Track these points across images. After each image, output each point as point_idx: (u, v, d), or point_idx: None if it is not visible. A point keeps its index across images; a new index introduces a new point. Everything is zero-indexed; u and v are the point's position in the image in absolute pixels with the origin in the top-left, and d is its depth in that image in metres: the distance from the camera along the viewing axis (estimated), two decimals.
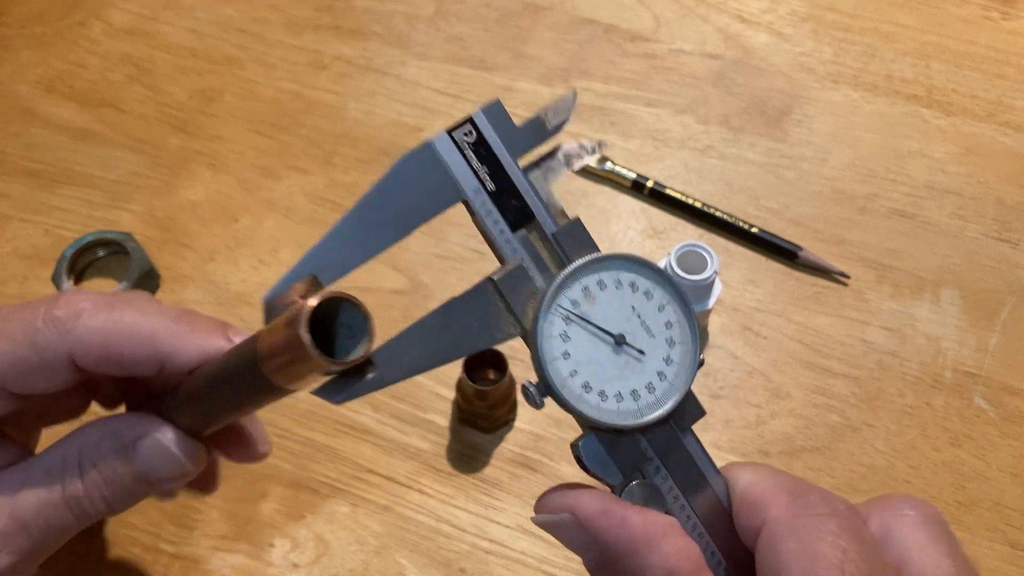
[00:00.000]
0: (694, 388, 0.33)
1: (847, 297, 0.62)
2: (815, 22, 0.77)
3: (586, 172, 0.68)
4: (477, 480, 0.54)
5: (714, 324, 0.60)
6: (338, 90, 0.72)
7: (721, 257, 0.63)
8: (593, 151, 0.34)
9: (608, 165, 0.67)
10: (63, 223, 0.65)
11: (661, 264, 0.57)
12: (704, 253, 0.55)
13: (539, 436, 0.56)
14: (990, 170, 0.68)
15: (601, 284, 0.32)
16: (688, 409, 0.33)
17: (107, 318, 0.36)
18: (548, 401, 0.31)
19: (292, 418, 0.56)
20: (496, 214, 0.32)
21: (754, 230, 0.64)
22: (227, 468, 0.54)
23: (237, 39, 0.75)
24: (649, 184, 0.66)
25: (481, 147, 0.32)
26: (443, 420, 0.56)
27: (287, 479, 0.54)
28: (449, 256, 0.63)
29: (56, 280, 0.60)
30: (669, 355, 0.32)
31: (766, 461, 0.55)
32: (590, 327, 0.32)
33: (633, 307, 0.32)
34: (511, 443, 0.55)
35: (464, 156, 0.32)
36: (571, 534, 0.31)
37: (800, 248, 0.63)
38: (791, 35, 0.76)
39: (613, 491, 0.32)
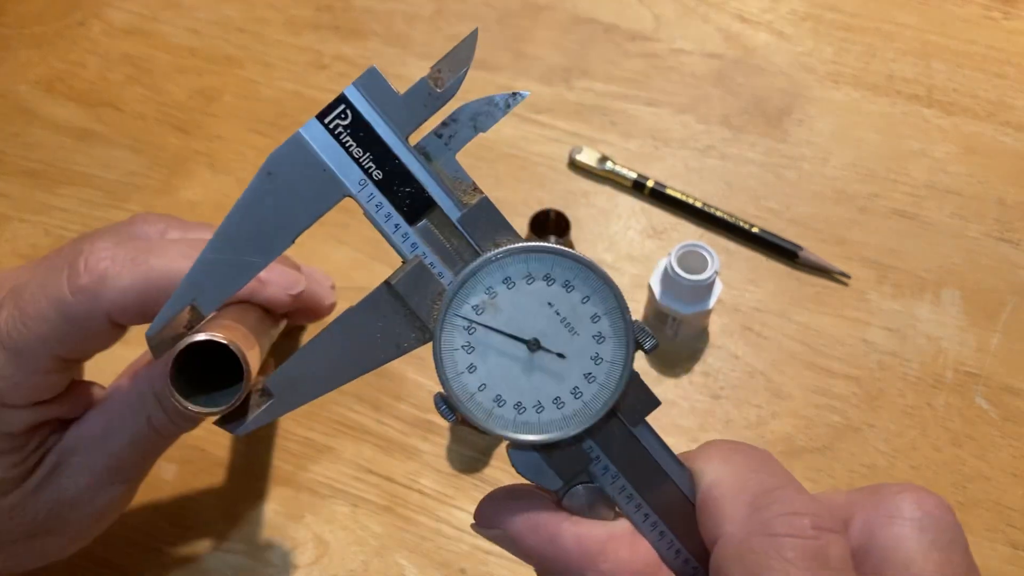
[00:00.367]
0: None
1: (848, 297, 0.61)
2: (815, 21, 0.77)
3: (586, 172, 0.68)
4: (477, 480, 0.54)
5: (715, 324, 0.60)
6: (338, 90, 0.71)
7: (721, 257, 0.63)
8: (507, 104, 0.28)
9: (608, 165, 0.67)
10: (63, 223, 0.65)
11: (661, 264, 0.57)
12: (704, 253, 0.55)
13: None
14: (991, 170, 0.68)
15: (508, 282, 0.28)
16: (637, 402, 0.29)
17: (134, 275, 0.36)
18: None
19: (292, 418, 0.56)
20: (388, 206, 0.28)
21: (755, 230, 0.63)
22: (225, 469, 0.54)
23: (237, 39, 0.75)
24: (649, 184, 0.66)
25: (360, 129, 0.28)
26: (443, 420, 0.56)
27: (287, 479, 0.54)
28: None
29: None
30: (597, 353, 0.28)
31: None
32: (497, 334, 0.28)
33: (550, 303, 0.28)
34: (505, 448, 0.55)
35: (341, 143, 0.28)
36: (509, 547, 0.29)
37: (801, 248, 0.63)
38: (791, 34, 0.76)
39: (556, 496, 0.29)
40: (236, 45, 0.75)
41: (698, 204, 0.65)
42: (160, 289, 0.36)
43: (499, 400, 0.28)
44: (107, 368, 0.44)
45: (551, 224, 0.62)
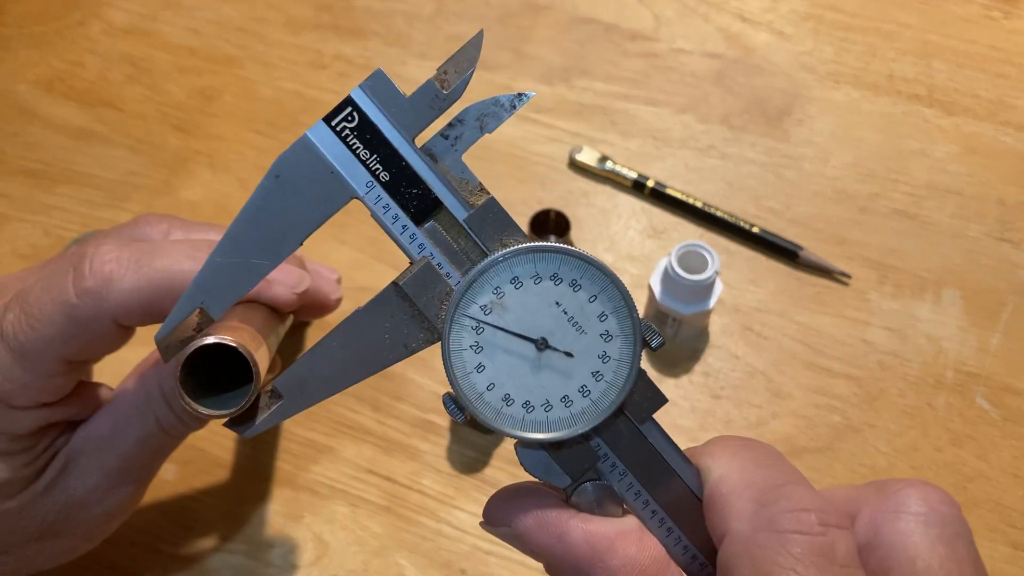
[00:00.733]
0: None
1: (848, 297, 0.61)
2: (816, 21, 0.77)
3: (587, 172, 0.68)
4: (477, 480, 0.54)
5: (715, 324, 0.60)
6: (338, 89, 0.72)
7: (722, 257, 0.63)
8: (512, 105, 0.28)
9: (609, 164, 0.67)
10: (62, 223, 0.65)
11: (661, 264, 0.57)
12: (705, 253, 0.55)
13: None
14: (992, 170, 0.68)
15: (516, 282, 0.28)
16: (644, 400, 0.29)
17: (139, 276, 0.36)
18: None
19: (292, 419, 0.56)
20: (395, 208, 0.28)
21: (755, 230, 0.63)
22: (226, 469, 0.54)
23: (236, 38, 0.75)
24: (650, 184, 0.66)
25: (367, 131, 0.28)
26: (443, 420, 0.56)
27: (287, 480, 0.54)
28: None
29: None
30: (605, 351, 0.28)
31: None
32: (505, 334, 0.28)
33: (557, 303, 0.28)
34: (511, 443, 0.55)
35: (348, 146, 0.28)
36: (518, 545, 0.29)
37: (801, 248, 0.62)
38: (792, 34, 0.76)
39: (564, 493, 0.30)
40: (236, 45, 0.75)
41: (698, 204, 0.65)
42: (165, 290, 0.36)
43: (508, 399, 0.28)
44: (115, 369, 0.44)
45: (551, 224, 0.62)
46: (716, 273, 0.55)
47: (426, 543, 0.52)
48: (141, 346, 0.43)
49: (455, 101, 0.28)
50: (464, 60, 0.28)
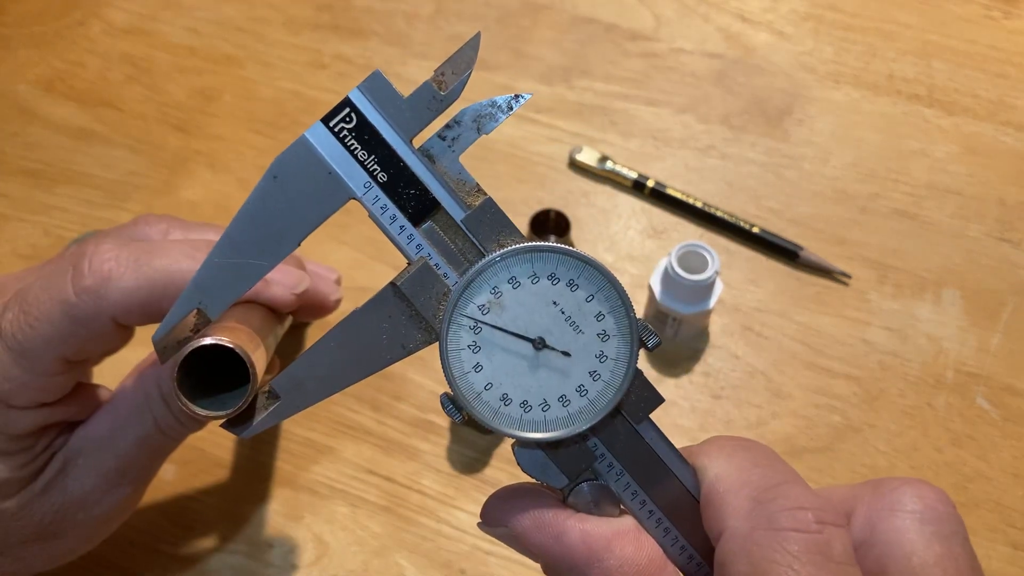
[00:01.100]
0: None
1: (848, 297, 0.61)
2: (816, 21, 0.77)
3: (587, 172, 0.68)
4: (477, 481, 0.54)
5: (715, 324, 0.60)
6: (338, 89, 0.72)
7: (722, 257, 0.63)
8: (509, 106, 0.28)
9: (609, 164, 0.67)
10: (62, 223, 0.65)
11: (662, 264, 0.57)
12: (705, 253, 0.55)
13: None
14: (992, 170, 0.68)
15: (513, 282, 0.28)
16: (641, 400, 0.29)
17: (137, 276, 0.36)
18: None
19: (292, 419, 0.56)
20: (393, 208, 0.28)
21: (755, 230, 0.63)
22: (225, 469, 0.54)
23: (236, 38, 0.75)
24: (650, 184, 0.66)
25: (365, 132, 0.28)
26: (443, 420, 0.56)
27: (287, 480, 0.54)
28: None
29: None
30: (602, 351, 0.28)
31: None
32: (503, 333, 0.28)
33: (555, 302, 0.28)
34: (510, 443, 0.55)
35: (346, 146, 0.28)
36: (515, 545, 0.29)
37: (801, 248, 0.62)
38: (792, 34, 0.76)
39: (562, 494, 0.30)
40: (236, 45, 0.75)
41: (698, 204, 0.65)
42: (164, 289, 0.36)
43: (505, 399, 0.28)
44: (115, 370, 0.44)
45: (551, 224, 0.62)
46: (716, 273, 0.55)
47: (426, 543, 0.52)
48: (141, 346, 0.43)
49: (453, 102, 0.28)
50: (462, 61, 0.28)
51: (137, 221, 0.44)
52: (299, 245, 0.28)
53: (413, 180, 0.28)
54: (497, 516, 0.29)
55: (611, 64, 0.74)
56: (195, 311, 0.28)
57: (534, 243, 0.28)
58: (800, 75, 0.73)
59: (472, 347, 0.28)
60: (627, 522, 0.29)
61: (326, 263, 0.56)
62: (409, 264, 0.29)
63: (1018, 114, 0.71)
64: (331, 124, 0.28)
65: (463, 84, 0.28)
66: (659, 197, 0.66)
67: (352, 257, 0.62)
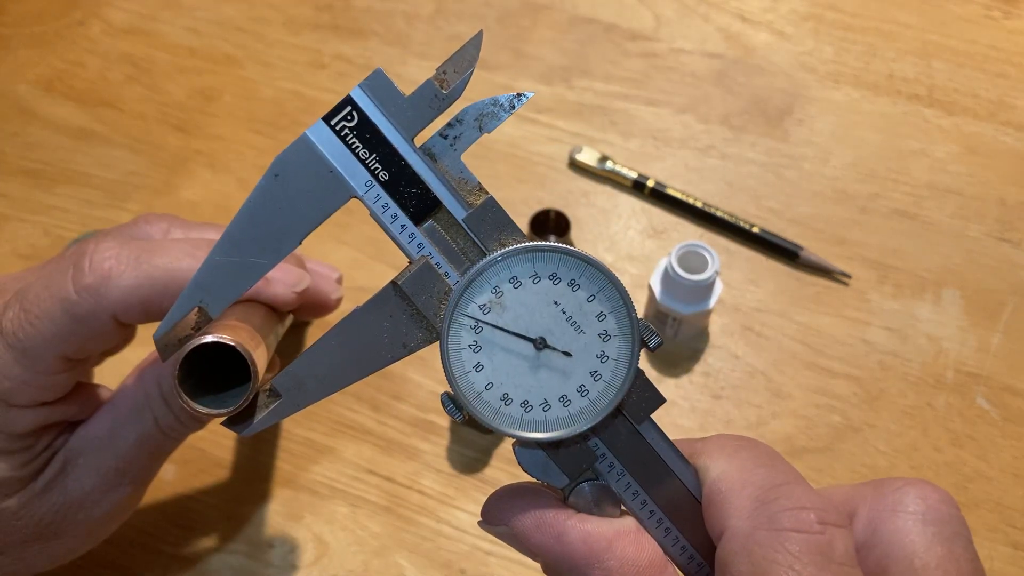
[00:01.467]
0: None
1: (848, 297, 0.61)
2: (816, 21, 0.77)
3: (587, 171, 0.68)
4: (477, 480, 0.54)
5: (715, 324, 0.60)
6: (338, 89, 0.72)
7: (722, 257, 0.63)
8: (511, 105, 0.28)
9: (609, 164, 0.67)
10: (62, 223, 0.65)
11: (661, 264, 0.57)
12: (705, 253, 0.55)
13: None
14: (992, 170, 0.68)
15: (514, 281, 0.28)
16: (642, 400, 0.29)
17: (138, 274, 0.36)
18: None
19: (292, 419, 0.56)
20: (394, 207, 0.28)
21: (755, 230, 0.63)
22: (225, 469, 0.54)
23: (236, 38, 0.75)
24: (650, 184, 0.66)
25: (366, 131, 0.28)
26: (443, 420, 0.56)
27: (287, 480, 0.54)
28: None
29: None
30: (603, 351, 0.28)
31: None
32: (504, 333, 0.28)
33: (556, 302, 0.28)
34: (511, 443, 0.55)
35: (347, 145, 0.28)
36: (515, 544, 0.29)
37: (801, 248, 0.62)
38: (792, 34, 0.76)
39: (562, 493, 0.30)
40: (236, 45, 0.75)
41: (698, 204, 0.65)
42: (164, 287, 0.37)
43: (506, 398, 0.28)
44: (115, 370, 0.44)
45: (551, 224, 0.62)
46: (716, 273, 0.55)
47: (426, 543, 0.52)
48: (141, 347, 0.43)
49: (454, 101, 0.28)
50: (463, 60, 0.28)
51: (138, 220, 0.44)
52: (300, 244, 0.28)
53: (414, 179, 0.28)
54: (498, 515, 0.29)
55: (611, 64, 0.74)
56: (196, 309, 0.28)
57: (536, 243, 0.28)
58: (800, 75, 0.73)
59: (473, 347, 0.28)
60: (628, 523, 0.29)
61: (326, 262, 0.56)
62: (410, 263, 0.29)
63: (1018, 114, 0.71)
64: (333, 122, 0.28)
65: (465, 82, 0.28)
66: (659, 197, 0.66)
67: (352, 257, 0.62)
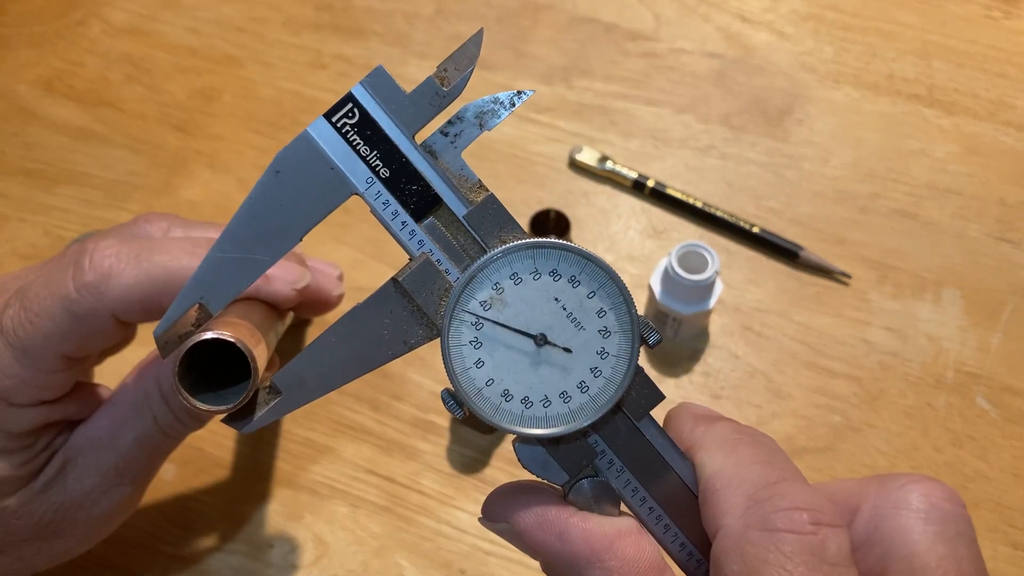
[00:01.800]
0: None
1: (848, 297, 0.61)
2: (816, 21, 0.77)
3: (587, 171, 0.68)
4: (477, 481, 0.54)
5: (715, 324, 0.60)
6: (338, 89, 0.72)
7: (722, 257, 0.63)
8: (511, 103, 0.28)
9: (609, 164, 0.67)
10: (62, 223, 0.65)
11: (662, 264, 0.57)
12: (705, 253, 0.55)
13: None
14: (992, 170, 0.68)
15: (515, 278, 0.28)
16: (642, 397, 0.30)
17: (138, 272, 0.36)
18: None
19: (292, 418, 0.56)
20: (395, 204, 0.28)
21: (755, 230, 0.63)
22: (225, 469, 0.54)
23: (236, 38, 0.75)
24: (650, 183, 0.66)
25: (367, 128, 0.28)
26: (443, 420, 0.56)
27: (287, 480, 0.54)
28: None
29: None
30: (603, 347, 0.28)
31: None
32: (505, 329, 0.28)
33: (556, 298, 0.28)
34: (511, 443, 0.55)
35: (348, 142, 0.28)
36: (515, 542, 0.29)
37: (801, 248, 0.62)
38: (792, 34, 0.76)
39: (562, 490, 0.30)
40: (236, 45, 0.75)
41: (698, 204, 0.65)
42: (164, 285, 0.37)
43: (506, 395, 0.28)
44: (116, 370, 0.44)
45: (551, 224, 0.62)
46: (716, 273, 0.55)
47: (426, 543, 0.52)
48: (141, 346, 0.43)
49: (455, 98, 0.28)
50: (464, 58, 0.28)
51: (138, 219, 0.44)
52: (301, 240, 0.28)
53: (415, 176, 0.28)
54: (499, 512, 0.29)
55: (611, 64, 0.74)
56: (196, 306, 0.28)
57: (536, 239, 0.28)
58: (800, 75, 0.73)
59: (474, 343, 0.28)
60: (629, 522, 0.29)
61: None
62: (411, 260, 0.29)
63: (1018, 114, 0.71)
64: (334, 119, 0.28)
65: (466, 80, 0.28)
66: (659, 197, 0.66)
67: (352, 256, 0.62)
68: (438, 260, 0.29)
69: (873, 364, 0.58)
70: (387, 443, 0.55)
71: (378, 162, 0.28)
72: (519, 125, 0.70)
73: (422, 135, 0.29)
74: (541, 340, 0.28)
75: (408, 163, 0.28)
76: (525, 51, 0.74)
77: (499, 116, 0.28)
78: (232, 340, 0.30)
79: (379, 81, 0.28)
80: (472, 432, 0.55)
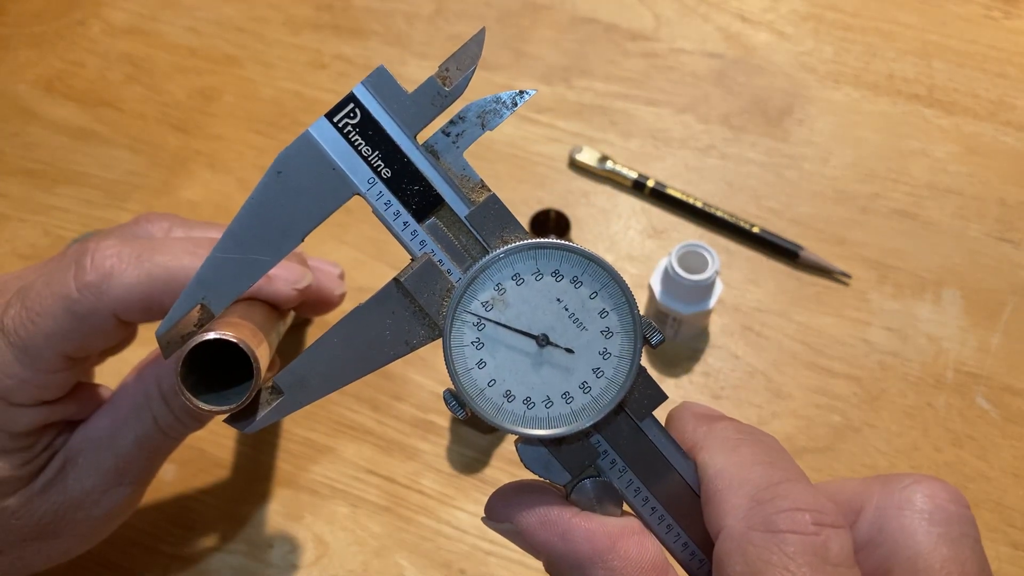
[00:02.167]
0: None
1: (848, 297, 0.61)
2: (816, 21, 0.77)
3: (587, 171, 0.68)
4: (477, 481, 0.54)
5: (715, 324, 0.60)
6: (338, 89, 0.72)
7: (722, 257, 0.63)
8: (513, 103, 0.28)
9: (609, 164, 0.67)
10: (62, 223, 0.65)
11: (662, 264, 0.57)
12: (705, 253, 0.55)
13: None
14: (992, 170, 0.68)
15: (517, 278, 0.28)
16: (644, 397, 0.30)
17: (139, 272, 0.36)
18: None
19: (292, 418, 0.56)
20: (397, 204, 0.28)
21: (755, 230, 0.63)
22: (225, 469, 0.54)
23: (236, 38, 0.75)
24: (650, 183, 0.66)
25: (369, 128, 0.28)
26: (443, 421, 0.56)
27: (287, 480, 0.54)
28: None
29: None
30: (605, 348, 0.28)
31: None
32: (507, 330, 0.28)
33: (558, 299, 0.28)
34: (511, 443, 0.55)
35: (350, 142, 0.28)
36: (518, 541, 0.29)
37: (801, 248, 0.62)
38: (792, 34, 0.76)
39: (564, 490, 0.30)
40: (236, 45, 0.75)
41: (698, 204, 0.65)
42: (165, 285, 0.37)
43: (509, 395, 0.28)
44: (116, 370, 0.44)
45: (551, 224, 0.62)
46: (716, 273, 0.55)
47: (426, 543, 0.52)
48: (142, 347, 0.43)
49: (457, 98, 0.28)
50: (466, 57, 0.28)
51: (139, 219, 0.44)
52: (302, 241, 0.28)
53: (417, 176, 0.28)
54: (502, 512, 0.29)
55: (611, 64, 0.74)
56: (198, 306, 0.28)
57: (538, 240, 0.28)
58: (800, 75, 0.73)
59: (475, 343, 0.28)
60: (631, 522, 0.29)
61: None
62: (413, 260, 0.29)
63: (1018, 114, 0.71)
64: (335, 119, 0.28)
65: (468, 80, 0.28)
66: (659, 197, 0.66)
67: (353, 257, 0.62)
68: (440, 260, 0.29)
69: (873, 364, 0.58)
70: (387, 443, 0.55)
71: (380, 162, 0.28)
72: (519, 125, 0.70)
73: (424, 135, 0.29)
74: (543, 341, 0.28)
75: (410, 163, 0.28)
76: (525, 51, 0.74)
77: (501, 116, 0.28)
78: (235, 340, 0.30)
79: (381, 81, 0.28)
80: (472, 432, 0.55)
